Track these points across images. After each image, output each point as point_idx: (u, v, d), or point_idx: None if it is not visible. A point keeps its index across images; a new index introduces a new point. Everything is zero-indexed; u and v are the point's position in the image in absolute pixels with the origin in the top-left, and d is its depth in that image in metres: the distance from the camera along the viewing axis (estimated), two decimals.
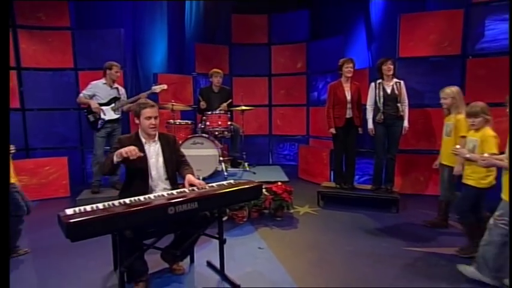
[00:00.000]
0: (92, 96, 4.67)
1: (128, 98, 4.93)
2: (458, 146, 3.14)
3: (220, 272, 2.94)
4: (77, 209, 2.33)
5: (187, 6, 6.73)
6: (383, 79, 4.52)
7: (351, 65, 4.62)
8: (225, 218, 3.93)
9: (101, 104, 4.65)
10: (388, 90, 4.46)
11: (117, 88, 4.83)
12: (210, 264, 3.12)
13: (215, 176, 4.72)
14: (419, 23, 5.15)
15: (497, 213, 2.67)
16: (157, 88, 4.96)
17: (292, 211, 4.34)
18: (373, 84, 4.60)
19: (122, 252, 2.52)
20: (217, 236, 2.88)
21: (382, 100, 4.45)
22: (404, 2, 5.69)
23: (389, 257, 3.27)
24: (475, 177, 3.10)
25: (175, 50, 6.72)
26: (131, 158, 2.58)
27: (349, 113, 4.65)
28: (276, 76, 6.93)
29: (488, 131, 3.01)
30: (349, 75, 4.62)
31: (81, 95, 4.73)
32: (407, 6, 5.52)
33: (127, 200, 2.49)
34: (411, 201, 4.70)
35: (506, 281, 2.61)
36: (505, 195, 2.60)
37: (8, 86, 2.14)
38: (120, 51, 5.67)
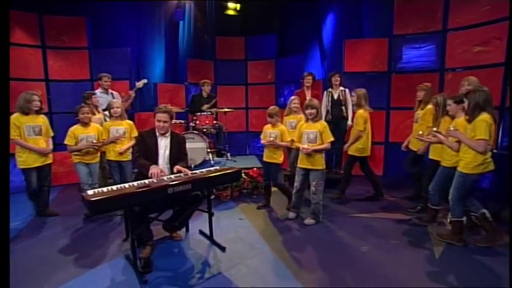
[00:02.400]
0: None
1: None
2: (271, 138, 3.63)
3: (210, 238, 2.99)
4: (95, 190, 2.34)
5: (181, 29, 6.62)
6: (332, 88, 4.66)
7: (310, 77, 4.71)
8: (212, 197, 3.96)
9: (103, 110, 4.50)
10: (335, 97, 4.60)
11: (112, 94, 4.70)
12: (201, 232, 3.16)
13: (204, 164, 4.70)
14: (358, 47, 5.31)
15: (314, 182, 3.33)
16: (140, 84, 4.88)
17: None
18: (325, 92, 4.73)
19: (132, 223, 2.55)
20: (207, 210, 2.91)
21: (330, 104, 4.60)
22: (347, 30, 5.83)
23: (339, 222, 3.44)
24: (276, 158, 3.66)
25: (171, 64, 6.60)
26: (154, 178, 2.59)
27: None
28: (251, 85, 6.90)
29: (282, 127, 3.67)
30: (308, 85, 4.72)
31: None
32: (349, 33, 5.66)
33: (135, 183, 2.51)
34: (354, 180, 4.78)
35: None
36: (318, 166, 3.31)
37: (8, 91, 2.08)
38: (127, 65, 5.58)
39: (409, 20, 4.98)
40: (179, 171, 2.76)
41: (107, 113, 4.49)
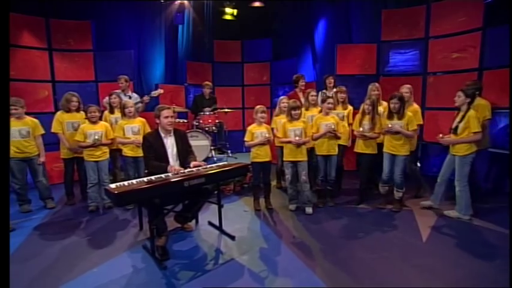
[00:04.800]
0: None
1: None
2: (267, 136, 3.57)
3: (220, 228, 3.07)
4: (117, 184, 2.40)
5: (180, 33, 6.65)
6: (326, 89, 4.78)
7: (304, 80, 4.79)
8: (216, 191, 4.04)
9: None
10: None
11: (129, 96, 4.70)
12: (210, 223, 3.24)
13: (207, 161, 4.72)
14: (349, 51, 5.47)
15: (304, 172, 3.48)
16: (156, 93, 4.85)
17: None
18: (320, 92, 4.83)
19: (150, 214, 2.61)
20: (216, 202, 3.00)
21: None
22: (337, 36, 5.99)
23: (334, 210, 3.59)
24: (270, 155, 3.65)
25: (171, 66, 6.62)
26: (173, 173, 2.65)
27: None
28: (248, 86, 6.97)
29: (268, 126, 3.64)
30: (303, 88, 4.81)
31: (105, 100, 4.61)
32: (340, 39, 5.82)
33: (153, 178, 2.55)
34: (347, 175, 4.80)
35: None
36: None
37: (8, 92, 2.14)
38: (130, 67, 5.55)
39: (395, 28, 5.19)
40: (196, 166, 2.83)
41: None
